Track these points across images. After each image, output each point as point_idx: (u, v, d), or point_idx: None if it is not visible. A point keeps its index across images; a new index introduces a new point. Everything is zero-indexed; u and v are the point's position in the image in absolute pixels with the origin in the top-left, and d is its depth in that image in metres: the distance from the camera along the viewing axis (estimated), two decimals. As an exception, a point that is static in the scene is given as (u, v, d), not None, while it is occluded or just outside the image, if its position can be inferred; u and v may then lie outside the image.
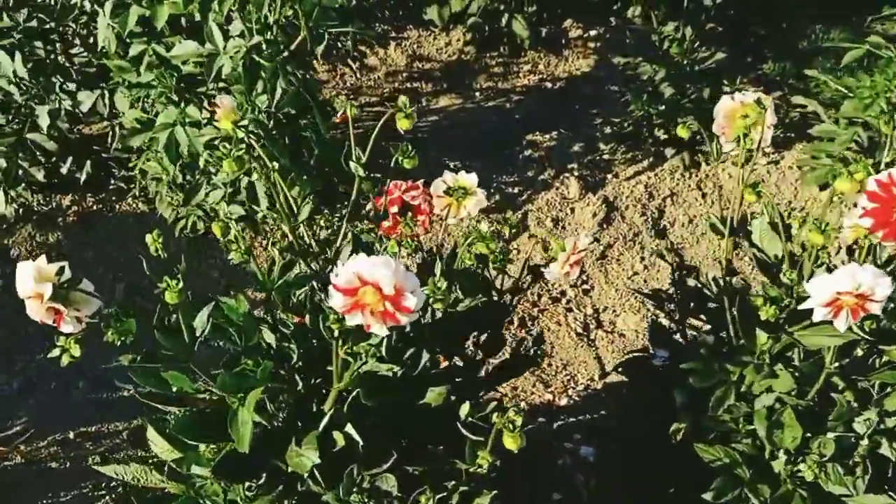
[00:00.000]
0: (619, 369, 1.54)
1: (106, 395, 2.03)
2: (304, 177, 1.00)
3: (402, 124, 1.07)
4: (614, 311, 2.22)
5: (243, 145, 1.06)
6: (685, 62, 2.23)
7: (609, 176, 2.49)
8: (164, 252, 0.98)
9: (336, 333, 0.99)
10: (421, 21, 3.18)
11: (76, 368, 1.72)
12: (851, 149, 2.32)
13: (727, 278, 1.33)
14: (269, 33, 1.76)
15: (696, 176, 2.48)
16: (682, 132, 1.34)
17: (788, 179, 2.50)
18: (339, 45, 2.66)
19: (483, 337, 1.25)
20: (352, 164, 1.08)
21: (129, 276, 2.27)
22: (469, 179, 1.21)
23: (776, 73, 2.92)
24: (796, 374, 1.32)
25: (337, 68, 3.05)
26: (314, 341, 1.13)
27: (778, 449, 1.31)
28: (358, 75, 3.05)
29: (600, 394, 2.03)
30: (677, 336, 1.57)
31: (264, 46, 1.75)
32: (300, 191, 0.99)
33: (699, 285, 1.47)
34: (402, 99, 1.04)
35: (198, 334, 1.06)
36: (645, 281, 2.28)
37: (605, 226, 2.38)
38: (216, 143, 1.90)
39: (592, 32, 3.21)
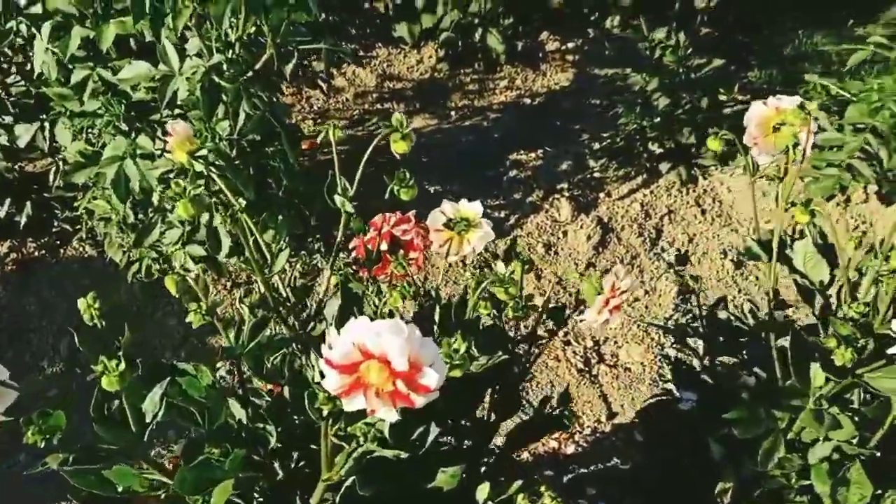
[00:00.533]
0: (639, 418, 1.35)
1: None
2: (279, 217, 0.82)
3: (399, 147, 0.88)
4: (616, 342, 2.04)
5: (202, 181, 0.85)
6: (680, 70, 2.07)
7: (602, 195, 2.32)
8: (100, 321, 0.76)
9: (325, 414, 0.79)
10: (390, 38, 3.00)
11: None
12: (859, 157, 2.18)
13: (771, 310, 1.15)
14: (230, 52, 1.56)
15: (694, 191, 2.32)
16: (715, 145, 1.16)
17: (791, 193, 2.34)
18: (306, 65, 2.47)
19: (496, 396, 1.05)
20: (337, 199, 0.88)
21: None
22: (472, 209, 1.02)
23: (763, 80, 2.79)
24: (855, 418, 1.14)
25: (303, 91, 2.85)
26: (294, 417, 0.92)
27: (844, 510, 1.12)
28: (325, 97, 2.85)
29: (609, 437, 1.84)
30: (704, 376, 1.38)
31: (225, 66, 1.55)
32: (275, 235, 0.80)
33: (731, 318, 1.29)
34: (397, 116, 0.84)
35: (148, 420, 0.84)
36: (646, 307, 2.10)
37: (600, 249, 2.20)
38: (171, 176, 1.68)
39: (570, 45, 3.05)
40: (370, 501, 0.88)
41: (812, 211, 1.06)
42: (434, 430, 0.88)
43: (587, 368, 1.97)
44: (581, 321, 0.89)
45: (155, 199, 1.73)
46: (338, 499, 0.86)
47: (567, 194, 2.33)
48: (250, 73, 1.57)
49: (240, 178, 1.52)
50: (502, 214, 2.31)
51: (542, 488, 0.90)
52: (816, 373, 1.10)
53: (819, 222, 1.21)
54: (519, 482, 0.92)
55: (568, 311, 0.96)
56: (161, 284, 2.07)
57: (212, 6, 1.40)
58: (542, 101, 2.86)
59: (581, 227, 2.23)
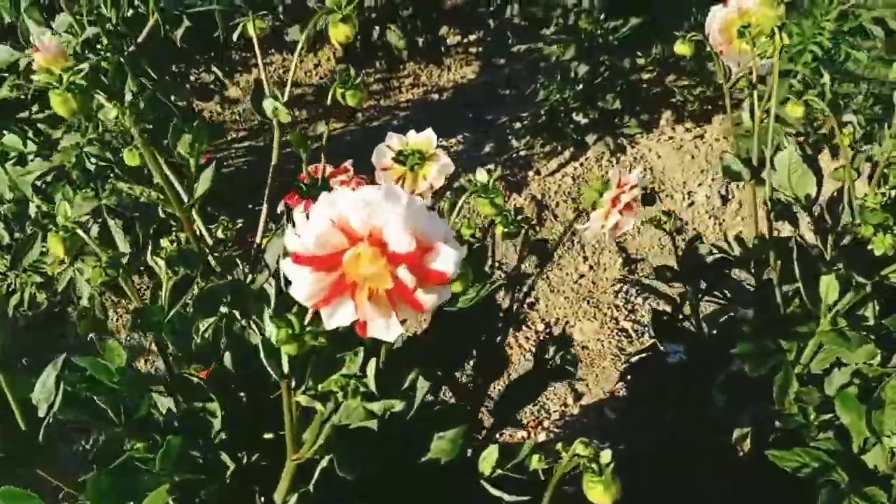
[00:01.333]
0: (628, 377, 1.19)
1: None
2: (194, 122, 0.64)
3: (352, 99, 0.72)
4: (568, 321, 1.89)
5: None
6: (598, 32, 1.97)
7: (531, 173, 2.19)
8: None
9: (286, 366, 0.59)
10: (284, 43, 2.81)
11: None
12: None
13: (771, 227, 1.02)
14: (108, 24, 1.34)
15: (624, 160, 2.22)
16: (684, 49, 1.03)
17: (717, 152, 2.29)
18: (194, 78, 2.25)
19: (481, 353, 0.87)
20: (267, 105, 0.69)
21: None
22: (425, 138, 0.85)
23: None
24: (871, 336, 1.02)
25: (194, 105, 2.62)
26: (241, 394, 0.71)
27: (879, 436, 0.99)
28: (220, 109, 2.62)
29: (580, 420, 1.68)
30: (690, 324, 1.25)
31: (104, 40, 1.33)
32: (192, 144, 0.61)
33: (713, 250, 1.16)
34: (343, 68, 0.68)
35: (42, 413, 0.62)
36: (593, 283, 1.97)
37: (538, 227, 2.06)
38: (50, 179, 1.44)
39: (472, 37, 2.94)
40: (351, 487, 0.68)
41: (807, 101, 0.94)
42: (421, 384, 0.69)
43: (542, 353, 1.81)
44: (584, 230, 0.73)
45: (32, 209, 1.48)
46: (311, 487, 0.66)
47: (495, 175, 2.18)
48: (132, 48, 1.36)
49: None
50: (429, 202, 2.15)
51: (560, 445, 0.73)
52: (829, 285, 0.97)
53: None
54: (530, 441, 0.74)
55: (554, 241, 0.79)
56: (52, 316, 1.80)
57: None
58: (452, 95, 2.73)
59: (514, 206, 2.09)
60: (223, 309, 0.76)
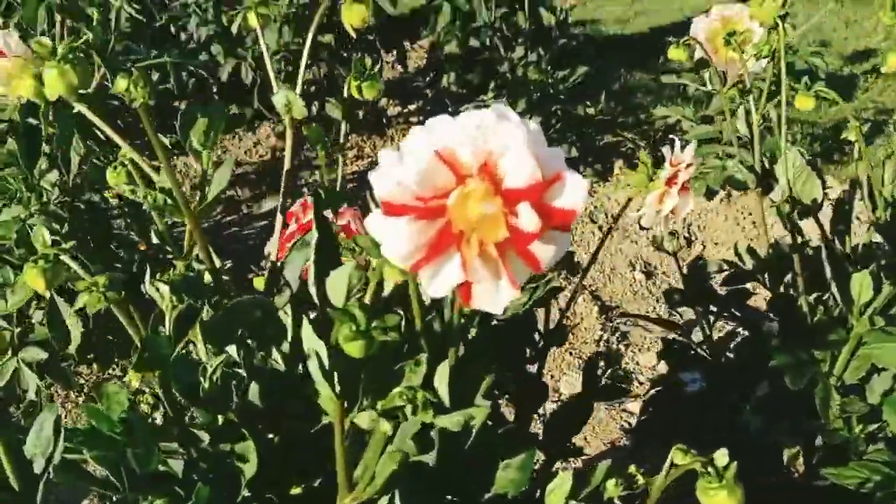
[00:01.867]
0: (650, 409, 1.11)
1: None
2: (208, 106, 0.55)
3: (369, 91, 0.65)
4: (552, 376, 1.81)
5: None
6: (549, 81, 1.96)
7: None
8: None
9: (337, 384, 0.50)
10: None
11: None
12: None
13: (793, 230, 0.97)
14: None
15: (585, 209, 2.19)
16: (678, 54, 1.00)
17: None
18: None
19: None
20: (278, 98, 0.61)
21: None
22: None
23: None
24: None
25: (127, 191, 2.49)
26: (271, 434, 0.60)
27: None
28: (156, 193, 2.50)
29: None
30: (701, 349, 1.18)
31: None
32: (206, 132, 0.52)
33: (722, 266, 1.10)
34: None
35: (39, 469, 0.50)
36: (572, 333, 1.90)
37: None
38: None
39: (412, 107, 2.93)
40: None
41: (817, 92, 0.91)
42: (484, 404, 0.59)
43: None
44: (640, 217, 0.66)
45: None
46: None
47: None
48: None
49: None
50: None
51: (633, 467, 0.65)
52: (862, 283, 0.92)
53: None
54: (604, 464, 0.65)
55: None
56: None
57: (24, 7, 1.10)
58: (397, 164, 2.69)
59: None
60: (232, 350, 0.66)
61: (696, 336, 1.18)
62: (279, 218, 0.67)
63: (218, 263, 0.63)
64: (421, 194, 0.36)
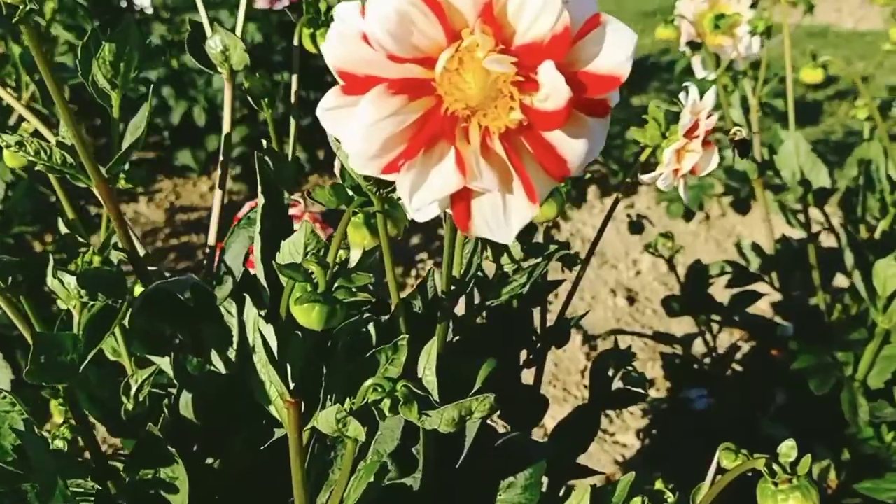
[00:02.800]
0: (654, 432, 0.99)
1: None
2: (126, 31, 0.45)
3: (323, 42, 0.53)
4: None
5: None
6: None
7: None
8: None
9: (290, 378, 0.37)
10: (173, 168, 2.60)
11: None
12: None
13: (807, 216, 0.87)
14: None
15: (560, 235, 2.09)
16: (667, 33, 0.91)
17: (659, 212, 2.21)
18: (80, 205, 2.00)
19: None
20: (213, 44, 0.49)
21: None
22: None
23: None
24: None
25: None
26: (209, 457, 0.47)
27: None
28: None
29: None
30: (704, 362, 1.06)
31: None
32: (115, 61, 0.40)
33: (725, 266, 1.00)
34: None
35: None
36: (555, 364, 1.78)
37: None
38: None
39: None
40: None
41: (824, 64, 0.82)
42: (481, 407, 0.47)
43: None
44: (655, 179, 0.55)
45: None
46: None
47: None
48: None
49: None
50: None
51: (659, 482, 0.53)
52: (887, 270, 0.82)
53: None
54: (629, 476, 0.52)
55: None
56: None
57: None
58: (361, 203, 2.58)
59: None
60: (165, 363, 0.53)
61: (696, 348, 1.07)
62: (217, 195, 0.55)
63: (142, 252, 0.51)
64: (395, 52, 0.25)
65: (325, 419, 0.38)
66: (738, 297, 0.98)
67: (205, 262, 0.55)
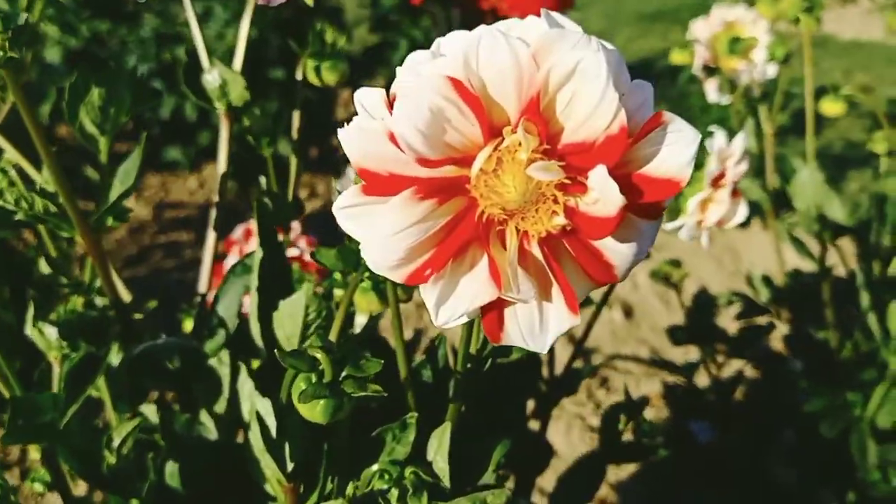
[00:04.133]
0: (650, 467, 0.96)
1: None
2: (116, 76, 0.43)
3: (330, 74, 0.50)
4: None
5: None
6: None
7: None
8: None
9: (289, 461, 0.34)
10: (162, 164, 2.55)
11: None
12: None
13: (823, 250, 0.84)
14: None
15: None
16: (681, 57, 0.88)
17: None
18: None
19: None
20: (210, 80, 0.46)
21: None
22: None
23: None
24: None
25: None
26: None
27: None
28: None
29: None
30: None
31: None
32: (104, 107, 0.37)
33: (733, 299, 0.97)
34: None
35: None
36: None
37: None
38: None
39: (368, 145, 2.80)
40: None
41: (847, 96, 0.79)
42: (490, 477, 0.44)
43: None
44: (677, 229, 0.52)
45: None
46: None
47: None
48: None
49: None
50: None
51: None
52: (903, 312, 0.79)
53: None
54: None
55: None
56: None
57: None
58: (354, 203, 2.54)
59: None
60: (150, 411, 0.49)
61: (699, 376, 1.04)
62: (210, 237, 0.51)
63: (128, 297, 0.47)
64: (426, 154, 0.22)
65: (327, 510, 0.35)
66: (748, 330, 0.95)
67: (196, 302, 0.51)
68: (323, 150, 2.72)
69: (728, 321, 1.11)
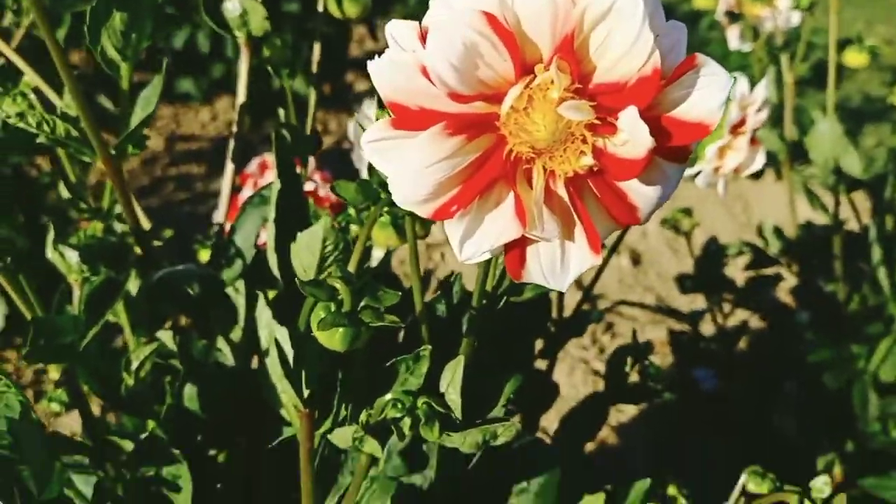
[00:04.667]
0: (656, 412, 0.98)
1: None
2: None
3: (351, 6, 0.49)
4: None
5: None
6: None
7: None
8: None
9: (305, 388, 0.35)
10: (175, 95, 2.53)
11: None
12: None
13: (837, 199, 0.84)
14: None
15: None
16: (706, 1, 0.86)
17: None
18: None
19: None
20: (230, 6, 0.45)
21: None
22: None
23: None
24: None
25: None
26: (213, 451, 0.45)
27: None
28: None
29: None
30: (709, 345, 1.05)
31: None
32: (127, 31, 0.37)
33: (744, 248, 0.97)
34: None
35: None
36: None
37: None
38: None
39: (382, 82, 2.77)
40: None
41: (871, 48, 0.78)
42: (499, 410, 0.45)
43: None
44: (695, 176, 0.52)
45: None
46: None
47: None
48: None
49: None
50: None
51: (673, 487, 0.51)
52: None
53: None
54: (644, 482, 0.51)
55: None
56: None
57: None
58: (366, 141, 2.52)
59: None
60: (167, 336, 0.50)
61: (704, 327, 1.05)
62: (228, 168, 0.52)
63: (147, 225, 0.48)
64: (458, 89, 0.22)
65: (341, 435, 0.36)
66: (756, 281, 0.95)
67: (214, 232, 0.52)
68: (336, 87, 2.69)
69: (737, 271, 1.12)
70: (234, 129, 0.51)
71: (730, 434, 0.93)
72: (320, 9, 0.51)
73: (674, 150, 0.24)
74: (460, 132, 0.22)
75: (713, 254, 1.00)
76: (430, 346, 0.37)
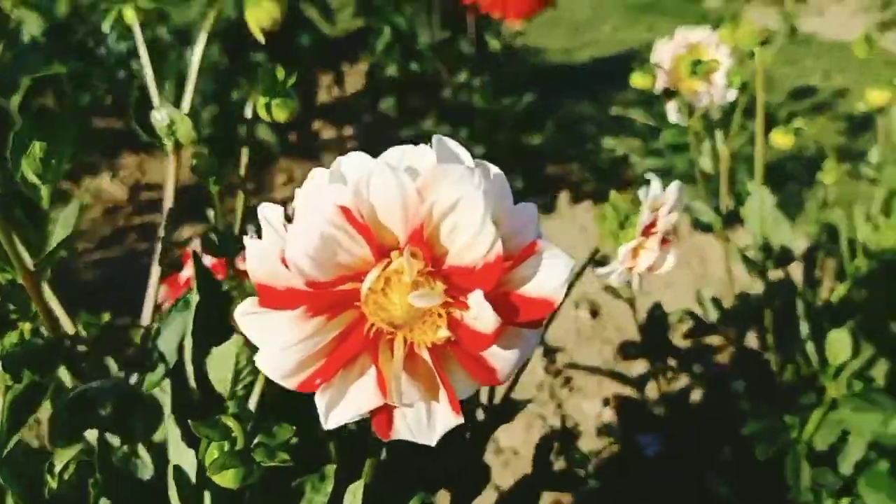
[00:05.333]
0: (602, 477, 0.99)
1: None
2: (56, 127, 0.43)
3: (280, 112, 0.51)
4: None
5: None
6: (494, 108, 1.86)
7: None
8: None
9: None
10: (139, 144, 2.54)
11: None
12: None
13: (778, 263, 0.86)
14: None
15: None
16: (642, 81, 0.89)
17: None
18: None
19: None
20: (158, 117, 0.47)
21: None
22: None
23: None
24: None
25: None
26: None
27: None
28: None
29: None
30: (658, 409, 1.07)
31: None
32: (46, 158, 0.38)
33: (687, 316, 1.00)
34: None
35: None
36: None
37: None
38: None
39: (347, 132, 2.79)
40: None
41: (796, 129, 0.81)
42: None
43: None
44: (606, 275, 0.54)
45: None
46: None
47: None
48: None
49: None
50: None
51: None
52: (840, 342, 0.82)
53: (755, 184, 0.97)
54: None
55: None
56: None
57: None
58: (331, 190, 2.54)
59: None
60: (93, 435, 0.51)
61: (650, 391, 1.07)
62: (154, 273, 0.53)
63: (71, 329, 0.49)
64: (316, 277, 0.23)
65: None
66: (697, 348, 0.98)
67: (138, 335, 0.53)
68: (302, 135, 2.72)
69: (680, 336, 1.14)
70: (161, 233, 0.52)
71: (671, 499, 0.95)
72: (248, 114, 0.52)
73: (526, 322, 0.25)
74: (321, 312, 0.24)
75: (657, 319, 1.02)
76: (334, 466, 0.38)
